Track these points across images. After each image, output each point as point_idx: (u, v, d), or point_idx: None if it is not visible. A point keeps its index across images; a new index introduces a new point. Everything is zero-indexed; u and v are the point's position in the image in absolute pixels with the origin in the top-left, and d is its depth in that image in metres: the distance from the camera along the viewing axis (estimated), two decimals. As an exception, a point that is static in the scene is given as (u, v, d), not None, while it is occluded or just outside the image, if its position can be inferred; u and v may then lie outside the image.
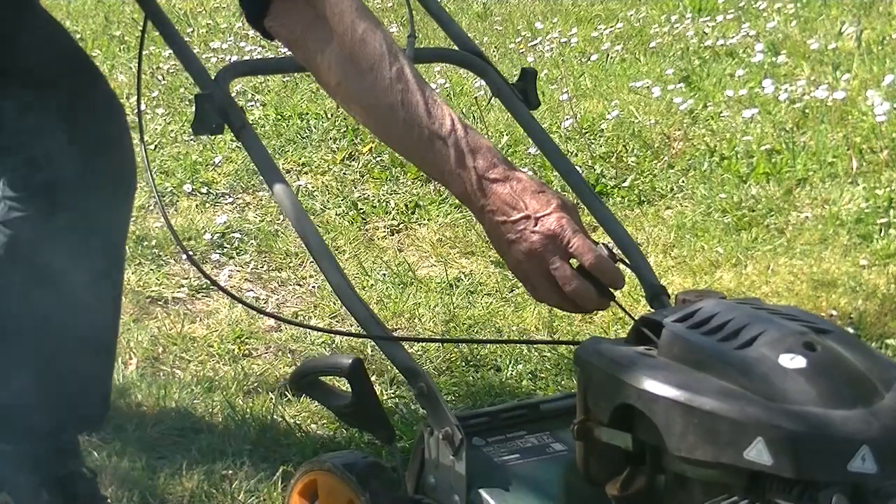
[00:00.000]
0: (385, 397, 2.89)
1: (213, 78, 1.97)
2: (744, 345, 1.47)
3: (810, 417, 1.38)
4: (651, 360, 1.51)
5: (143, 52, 1.88)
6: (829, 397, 1.40)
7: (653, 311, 1.84)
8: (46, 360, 2.24)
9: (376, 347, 3.08)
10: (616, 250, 2.03)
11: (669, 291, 1.96)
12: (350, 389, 1.74)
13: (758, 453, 1.38)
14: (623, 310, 1.85)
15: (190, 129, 5.13)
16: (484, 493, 1.69)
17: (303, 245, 3.83)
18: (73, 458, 2.36)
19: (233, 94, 1.99)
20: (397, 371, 2.93)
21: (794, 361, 1.43)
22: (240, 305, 3.40)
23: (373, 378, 2.94)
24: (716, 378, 1.45)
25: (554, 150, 2.11)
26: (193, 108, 1.94)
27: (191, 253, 1.96)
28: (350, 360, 1.71)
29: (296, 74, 5.96)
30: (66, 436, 2.34)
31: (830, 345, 1.47)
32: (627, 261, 1.96)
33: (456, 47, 2.24)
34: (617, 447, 1.55)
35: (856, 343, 1.51)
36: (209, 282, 1.93)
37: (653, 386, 1.46)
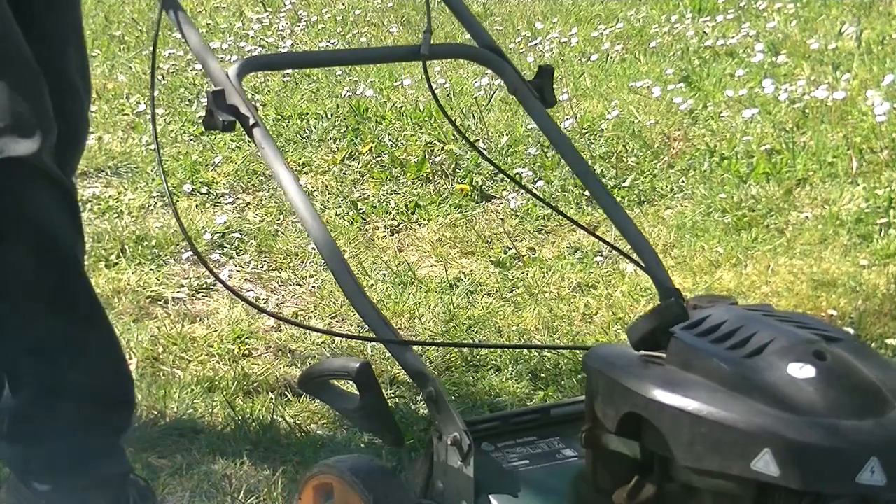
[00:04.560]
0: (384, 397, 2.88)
1: (226, 74, 1.95)
2: (753, 353, 1.46)
3: (818, 428, 1.37)
4: (659, 368, 1.50)
5: (145, 52, 1.87)
6: (838, 408, 1.39)
7: None
8: (55, 347, 2.26)
9: (375, 349, 3.08)
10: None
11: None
12: (358, 392, 1.73)
13: (765, 464, 1.37)
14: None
15: (189, 129, 5.14)
16: (493, 500, 1.68)
17: (303, 245, 3.84)
18: (117, 459, 2.35)
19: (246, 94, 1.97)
20: (397, 372, 2.96)
21: (803, 371, 1.42)
22: (240, 305, 3.39)
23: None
24: (724, 387, 1.44)
25: (570, 151, 2.09)
26: (206, 105, 1.92)
27: (199, 253, 1.95)
28: (358, 364, 1.70)
29: (296, 73, 5.95)
30: (102, 428, 2.33)
31: (841, 354, 1.46)
32: (642, 263, 1.95)
33: (474, 43, 2.22)
34: (625, 455, 1.54)
35: (867, 352, 1.49)
36: (222, 285, 1.91)
37: (660, 395, 1.46)
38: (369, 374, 1.70)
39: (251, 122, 1.90)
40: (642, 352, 1.56)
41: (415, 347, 3.07)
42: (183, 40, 2.09)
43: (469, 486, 1.69)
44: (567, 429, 1.79)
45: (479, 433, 1.74)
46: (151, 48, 1.95)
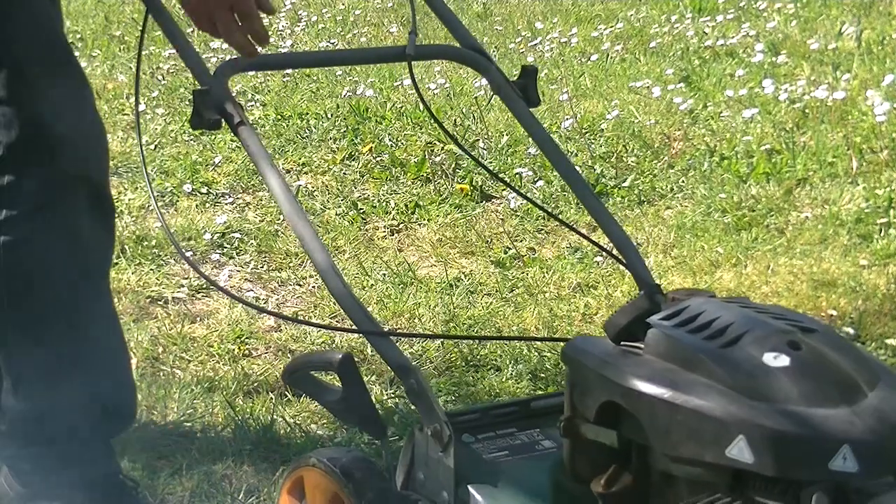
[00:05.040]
0: (385, 397, 2.89)
1: (212, 74, 1.98)
2: (729, 343, 1.48)
3: (792, 416, 1.38)
4: (636, 357, 1.52)
5: (144, 52, 1.92)
6: (812, 396, 1.41)
7: None
8: (67, 354, 2.28)
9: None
10: (614, 250, 2.04)
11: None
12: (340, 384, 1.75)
13: (739, 451, 1.39)
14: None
15: (189, 129, 5.15)
16: (472, 490, 1.69)
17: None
18: (106, 461, 2.36)
19: (232, 94, 1.99)
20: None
21: (777, 360, 1.44)
22: (240, 305, 3.40)
23: (372, 378, 2.95)
24: (700, 376, 1.45)
25: (553, 149, 2.11)
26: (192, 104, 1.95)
27: (187, 255, 1.97)
28: (340, 356, 1.71)
29: (296, 73, 5.97)
30: (97, 434, 2.35)
31: (815, 344, 1.47)
32: (624, 260, 1.97)
33: (458, 44, 2.23)
34: (603, 444, 1.56)
35: (841, 342, 1.51)
36: (208, 282, 1.94)
37: (637, 383, 1.47)
38: (351, 365, 1.71)
39: (236, 120, 1.92)
40: (621, 343, 1.58)
41: (414, 346, 3.11)
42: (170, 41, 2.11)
43: (449, 477, 1.70)
44: (546, 421, 1.80)
45: (459, 425, 1.76)
46: (137, 52, 1.99)
